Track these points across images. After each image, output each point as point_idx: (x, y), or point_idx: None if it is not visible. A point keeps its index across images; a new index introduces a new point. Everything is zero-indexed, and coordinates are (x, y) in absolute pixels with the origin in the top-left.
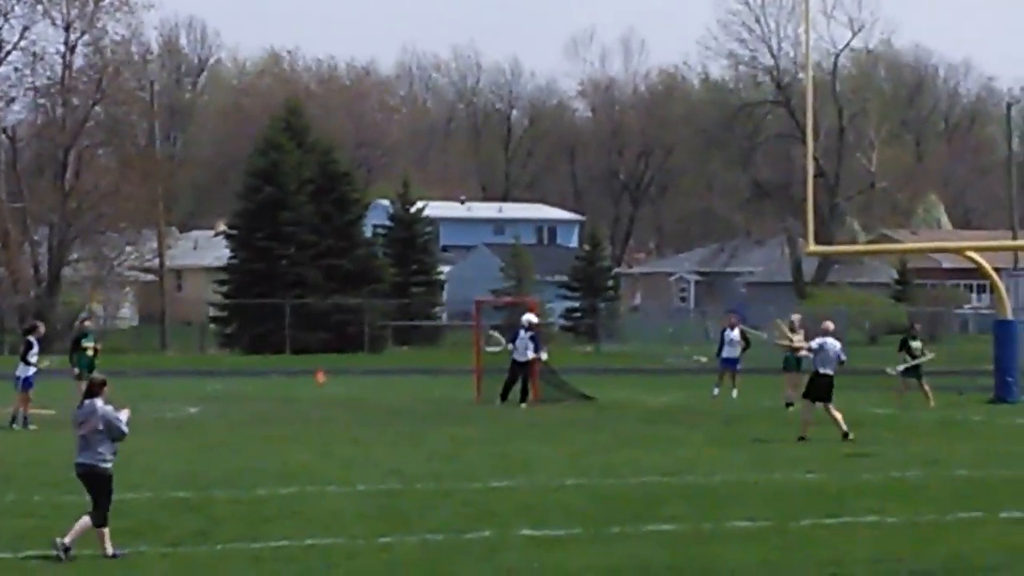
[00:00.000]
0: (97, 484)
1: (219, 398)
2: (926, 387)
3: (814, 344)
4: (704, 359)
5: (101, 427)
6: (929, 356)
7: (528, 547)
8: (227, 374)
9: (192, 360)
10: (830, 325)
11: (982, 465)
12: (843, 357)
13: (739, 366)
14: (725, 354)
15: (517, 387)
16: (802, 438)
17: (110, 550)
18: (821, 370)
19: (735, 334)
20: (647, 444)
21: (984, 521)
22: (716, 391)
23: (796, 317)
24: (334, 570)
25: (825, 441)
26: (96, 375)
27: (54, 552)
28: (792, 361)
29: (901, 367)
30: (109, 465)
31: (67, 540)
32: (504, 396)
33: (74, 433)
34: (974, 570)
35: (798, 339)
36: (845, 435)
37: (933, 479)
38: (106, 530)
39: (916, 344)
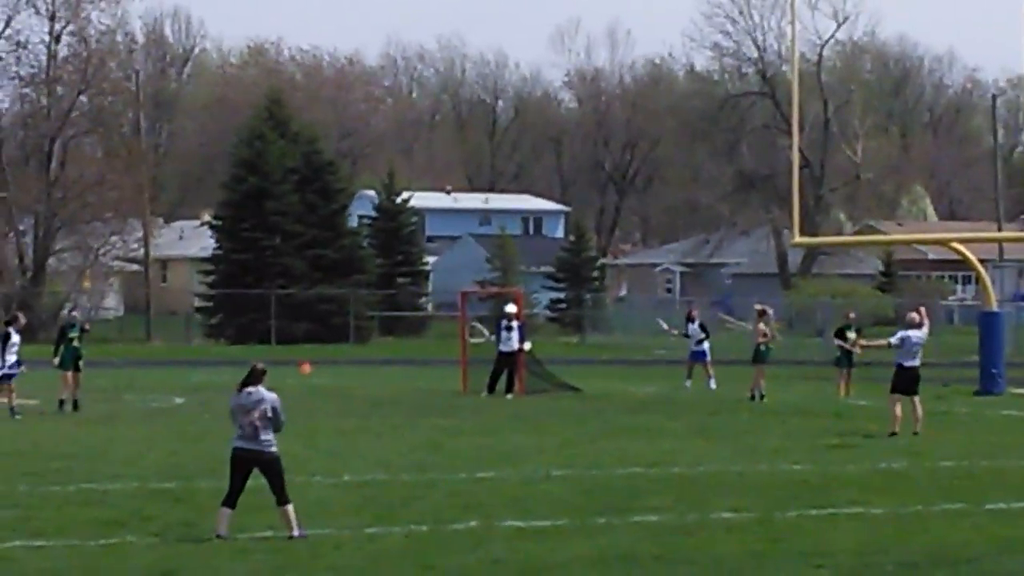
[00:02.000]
0: (268, 468)
1: (204, 388)
2: (850, 377)
3: (894, 339)
4: (676, 331)
5: (270, 414)
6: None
7: (514, 538)
8: (212, 364)
9: (177, 350)
10: (915, 316)
11: (967, 456)
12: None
13: (708, 356)
14: (692, 347)
15: (503, 378)
16: (893, 433)
17: (296, 531)
18: (905, 363)
19: (696, 327)
20: (632, 435)
21: (968, 512)
22: (688, 384)
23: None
24: (319, 561)
25: (810, 432)
26: (258, 364)
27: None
28: (764, 353)
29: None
30: (276, 449)
31: (295, 533)
32: (491, 388)
33: (236, 419)
34: (958, 561)
35: (768, 330)
36: (893, 433)
37: (918, 470)
38: (291, 507)
39: (851, 335)
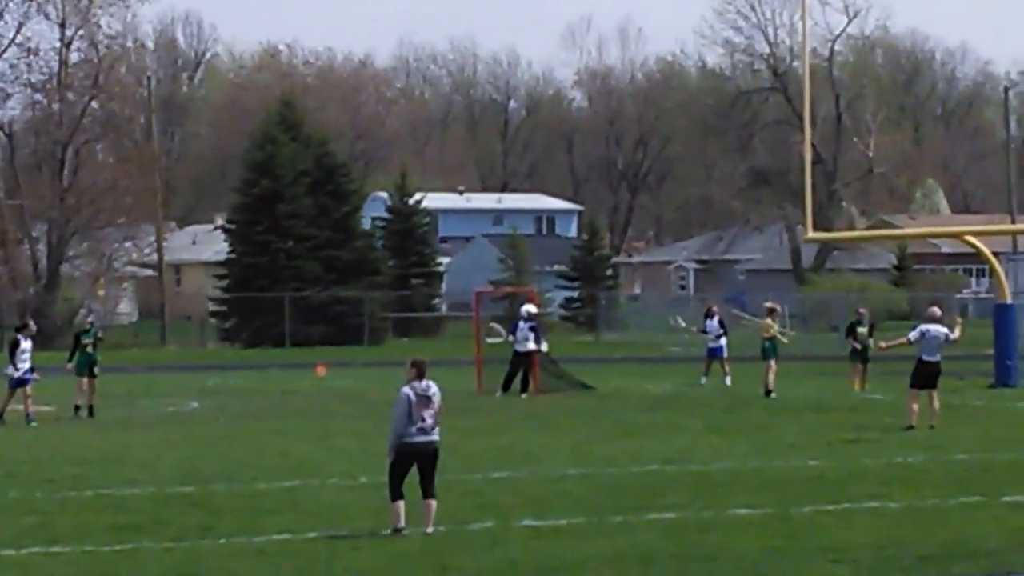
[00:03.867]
0: (435, 460)
1: (219, 392)
2: (867, 373)
3: (913, 335)
4: (694, 328)
5: (439, 407)
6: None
7: (531, 537)
8: (227, 368)
9: (192, 355)
10: (936, 311)
11: (983, 449)
12: (952, 336)
13: (724, 353)
14: (709, 344)
15: (518, 378)
16: (910, 427)
17: (430, 528)
18: (925, 357)
19: (715, 323)
20: (648, 433)
21: (985, 505)
22: (704, 380)
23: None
24: (337, 563)
25: (826, 427)
26: (420, 357)
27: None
28: (769, 350)
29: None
30: None
31: (429, 529)
32: (506, 387)
33: (414, 413)
34: (976, 554)
35: (775, 326)
36: (910, 427)
37: (934, 464)
38: (435, 502)
39: (862, 330)
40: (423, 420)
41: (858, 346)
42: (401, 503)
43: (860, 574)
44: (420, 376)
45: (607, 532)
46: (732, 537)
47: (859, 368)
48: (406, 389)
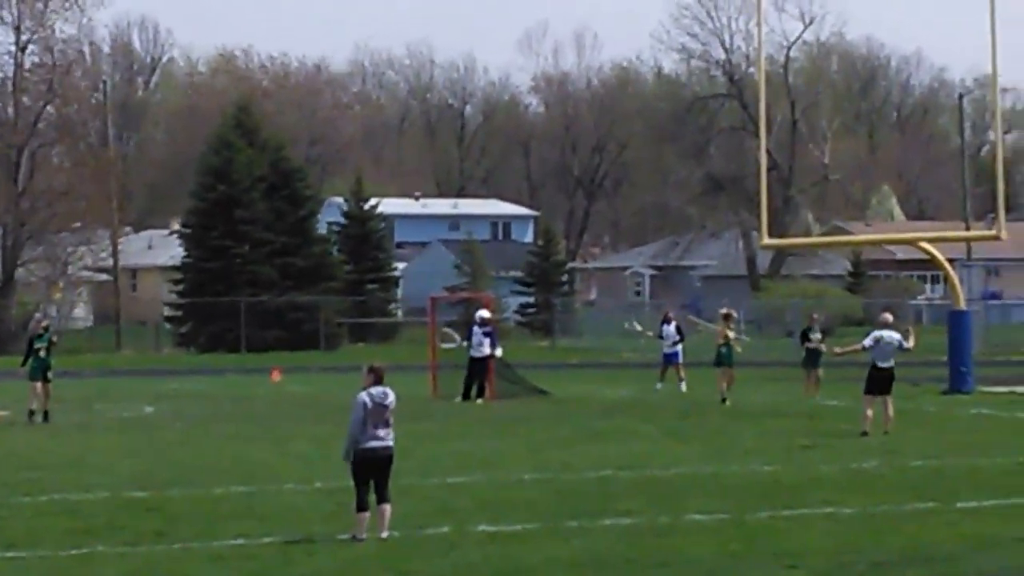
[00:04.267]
0: (389, 466)
1: (175, 397)
2: (819, 376)
3: (867, 341)
4: (650, 332)
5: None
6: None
7: (487, 542)
8: (183, 373)
9: (147, 359)
10: (888, 317)
11: (937, 455)
12: (906, 345)
13: (680, 359)
14: (665, 349)
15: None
16: (864, 433)
17: (385, 533)
18: (879, 364)
19: (671, 328)
20: (604, 438)
21: (940, 511)
22: (659, 385)
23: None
24: (293, 567)
25: (782, 433)
26: (378, 363)
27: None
28: (725, 356)
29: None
30: None
31: (384, 534)
32: (466, 395)
33: (370, 420)
34: (931, 560)
35: (729, 333)
36: (864, 432)
37: (889, 470)
38: (389, 507)
39: (815, 336)
40: (376, 427)
41: (809, 349)
42: (365, 514)
43: None
44: (377, 382)
45: (563, 537)
46: (688, 542)
47: (812, 374)
48: (362, 395)
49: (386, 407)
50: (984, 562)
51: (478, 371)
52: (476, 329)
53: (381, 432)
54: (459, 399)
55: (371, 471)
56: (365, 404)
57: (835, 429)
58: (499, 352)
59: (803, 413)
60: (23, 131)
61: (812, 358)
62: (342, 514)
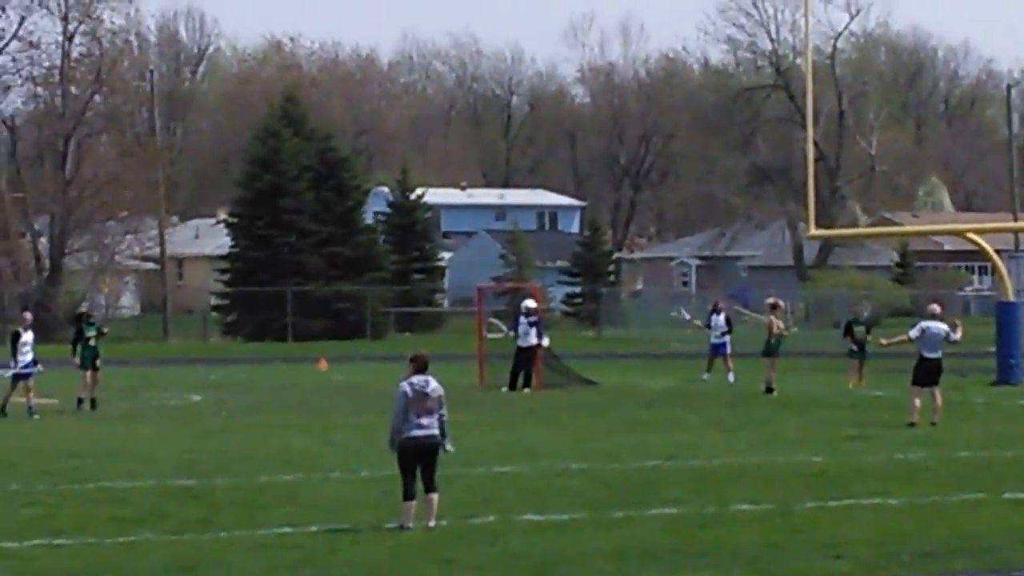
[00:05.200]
0: (434, 454)
1: (221, 386)
2: (862, 369)
3: (913, 332)
4: (698, 321)
5: (438, 402)
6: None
7: (532, 532)
8: (229, 362)
9: (194, 348)
10: (936, 308)
11: (984, 446)
12: (954, 337)
13: (728, 350)
14: (712, 340)
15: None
16: (912, 424)
17: (432, 521)
18: (926, 354)
19: (721, 319)
20: (649, 428)
21: (986, 502)
22: (706, 376)
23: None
24: (338, 555)
25: (828, 423)
26: (419, 352)
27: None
28: (774, 346)
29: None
30: None
31: (431, 523)
32: (512, 384)
33: (412, 409)
34: (977, 551)
35: (779, 323)
36: (912, 423)
37: (935, 461)
38: (436, 496)
39: (859, 329)
40: (419, 416)
41: (854, 347)
42: (411, 503)
43: (861, 570)
44: (419, 371)
45: (608, 527)
46: (733, 532)
47: (856, 365)
48: (404, 384)
49: (427, 395)
50: None
51: (524, 361)
52: (522, 319)
53: (424, 420)
54: (505, 389)
55: (415, 459)
56: (406, 393)
57: (881, 420)
58: (546, 342)
59: (849, 404)
60: (71, 121)
61: (857, 350)
62: (388, 503)
